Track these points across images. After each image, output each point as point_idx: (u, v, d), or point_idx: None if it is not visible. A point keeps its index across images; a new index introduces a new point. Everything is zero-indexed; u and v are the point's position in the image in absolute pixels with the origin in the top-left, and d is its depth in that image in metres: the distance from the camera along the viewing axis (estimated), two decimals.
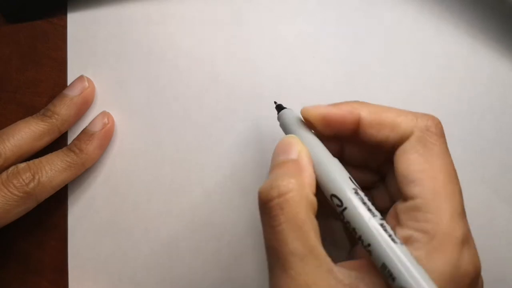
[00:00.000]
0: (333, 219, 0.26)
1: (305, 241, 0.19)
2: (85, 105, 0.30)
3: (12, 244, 0.31)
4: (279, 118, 0.26)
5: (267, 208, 0.20)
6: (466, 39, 0.30)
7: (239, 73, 0.30)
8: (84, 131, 0.29)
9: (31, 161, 0.27)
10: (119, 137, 0.30)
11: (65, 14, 0.30)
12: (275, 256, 0.20)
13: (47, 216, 0.30)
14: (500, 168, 0.29)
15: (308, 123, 0.24)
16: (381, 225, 0.20)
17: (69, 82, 0.30)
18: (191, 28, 0.30)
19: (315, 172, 0.22)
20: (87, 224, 0.30)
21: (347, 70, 0.30)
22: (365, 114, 0.22)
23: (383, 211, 0.22)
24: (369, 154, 0.24)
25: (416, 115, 0.22)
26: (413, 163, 0.21)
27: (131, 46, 0.30)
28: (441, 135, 0.22)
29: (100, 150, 0.29)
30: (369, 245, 0.19)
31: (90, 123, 0.29)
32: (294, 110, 0.26)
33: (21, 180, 0.26)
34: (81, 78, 0.30)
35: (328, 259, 0.20)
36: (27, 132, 0.28)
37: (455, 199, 0.21)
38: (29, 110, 0.30)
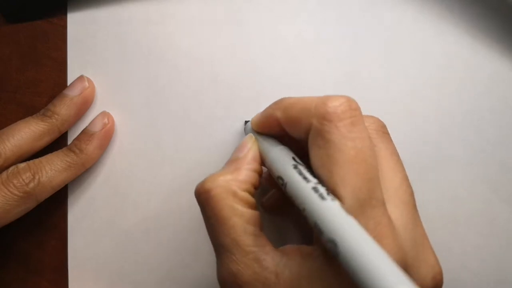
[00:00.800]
0: None
1: (229, 234, 0.21)
2: (85, 105, 0.30)
3: (12, 244, 0.31)
4: (244, 130, 0.28)
5: (198, 202, 0.23)
6: (466, 39, 0.30)
7: (239, 73, 0.30)
8: (84, 131, 0.29)
9: (31, 161, 0.27)
10: (119, 137, 0.30)
11: (65, 14, 0.30)
12: (213, 246, 0.22)
13: (47, 216, 0.30)
14: (500, 168, 0.29)
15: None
16: (313, 188, 0.20)
17: (69, 82, 0.30)
18: (190, 28, 0.30)
19: (266, 164, 0.24)
20: (87, 224, 0.30)
21: (347, 70, 0.30)
22: (279, 115, 0.23)
23: None
24: None
25: (317, 102, 0.21)
26: (314, 158, 0.21)
27: (131, 46, 0.30)
28: (340, 118, 0.20)
29: (100, 150, 0.29)
30: (304, 209, 0.20)
31: (90, 123, 0.29)
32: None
33: (21, 180, 0.26)
34: (81, 78, 0.30)
35: (256, 248, 0.21)
36: (27, 132, 0.28)
37: (358, 182, 0.20)
38: (29, 110, 0.30)
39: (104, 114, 0.30)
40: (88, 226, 0.30)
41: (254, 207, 0.23)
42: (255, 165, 0.24)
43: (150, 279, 0.30)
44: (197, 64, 0.30)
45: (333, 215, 0.18)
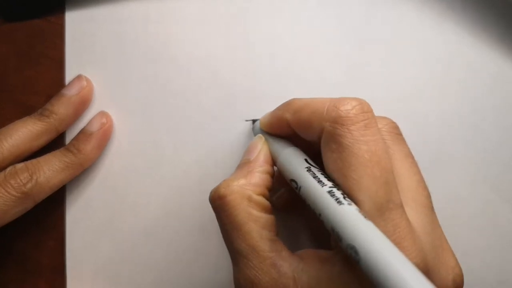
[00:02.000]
0: None
1: (245, 240, 0.21)
2: (83, 104, 0.30)
3: (9, 244, 0.31)
4: (252, 130, 0.28)
5: (213, 208, 0.22)
6: (468, 38, 0.30)
7: (239, 73, 0.30)
8: (82, 131, 0.29)
9: (29, 161, 0.27)
10: (118, 137, 0.30)
11: (63, 13, 0.30)
12: (229, 252, 0.22)
13: (45, 217, 0.30)
14: (502, 168, 0.29)
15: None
16: (329, 191, 0.19)
17: (67, 81, 0.30)
18: (190, 27, 0.30)
19: (277, 165, 0.23)
20: (85, 224, 0.30)
21: (347, 70, 0.30)
22: (289, 117, 0.23)
23: None
24: None
25: (328, 106, 0.21)
26: (328, 162, 0.21)
27: (129, 45, 0.30)
28: (353, 122, 0.20)
29: (99, 150, 0.29)
30: (320, 214, 0.19)
31: (88, 123, 0.29)
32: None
33: (18, 180, 0.26)
34: (79, 77, 0.30)
35: (273, 254, 0.21)
36: (25, 132, 0.28)
37: (374, 185, 0.19)
38: (27, 109, 0.30)
39: (102, 113, 0.30)
40: (86, 227, 0.30)
41: (269, 211, 0.22)
42: (267, 167, 0.23)
43: (148, 280, 0.30)
44: (197, 64, 0.30)
45: (352, 220, 0.18)
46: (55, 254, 0.30)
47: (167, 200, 0.30)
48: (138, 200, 0.30)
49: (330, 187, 0.20)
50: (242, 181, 0.22)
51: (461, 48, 0.30)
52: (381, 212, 0.19)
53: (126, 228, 0.30)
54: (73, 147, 0.28)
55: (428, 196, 0.22)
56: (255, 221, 0.21)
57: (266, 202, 0.22)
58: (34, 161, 0.27)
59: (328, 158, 0.20)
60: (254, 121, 0.28)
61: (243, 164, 0.24)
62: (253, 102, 0.30)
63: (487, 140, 0.29)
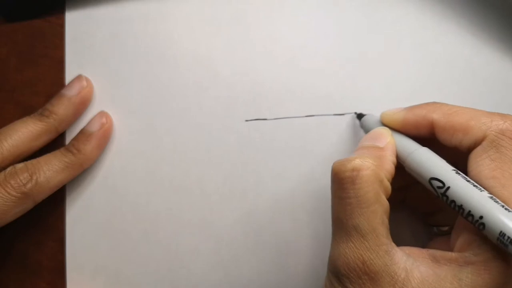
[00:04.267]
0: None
1: (369, 219, 0.21)
2: (83, 104, 0.30)
3: (9, 245, 0.31)
4: (362, 125, 0.28)
5: (339, 179, 0.22)
6: (468, 38, 0.30)
7: (239, 73, 0.30)
8: (82, 131, 0.29)
9: (28, 162, 0.27)
10: (118, 137, 0.30)
11: (63, 13, 0.30)
12: (340, 226, 0.21)
13: (45, 217, 0.30)
14: None
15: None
16: (490, 197, 0.20)
17: (67, 81, 0.30)
18: (190, 27, 0.30)
19: (406, 162, 0.23)
20: (85, 224, 0.30)
21: (347, 69, 0.30)
22: (437, 118, 0.23)
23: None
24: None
25: (492, 116, 0.22)
26: (484, 169, 0.21)
27: (129, 45, 0.30)
28: None
29: (98, 151, 0.29)
30: (481, 217, 0.19)
31: (88, 123, 0.29)
32: (375, 115, 0.27)
33: (18, 180, 0.26)
34: (79, 77, 0.30)
35: (388, 241, 0.21)
36: (25, 132, 0.28)
37: None
38: (27, 109, 0.30)
39: (102, 113, 0.30)
40: (86, 227, 0.30)
41: (389, 199, 0.22)
42: (395, 159, 0.23)
43: (148, 280, 0.30)
44: (197, 64, 0.30)
45: None
46: (55, 255, 0.30)
47: (167, 200, 0.30)
48: (138, 200, 0.30)
49: (489, 193, 0.20)
50: (377, 162, 0.22)
51: (461, 48, 0.30)
52: None
53: (126, 228, 0.30)
54: (73, 147, 0.28)
55: None
56: (381, 204, 0.21)
57: (390, 190, 0.22)
58: (34, 161, 0.27)
59: (485, 165, 0.21)
60: (360, 115, 0.28)
61: (372, 148, 0.23)
62: (253, 102, 0.30)
63: None
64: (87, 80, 0.30)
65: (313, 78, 0.30)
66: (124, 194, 0.30)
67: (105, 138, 0.29)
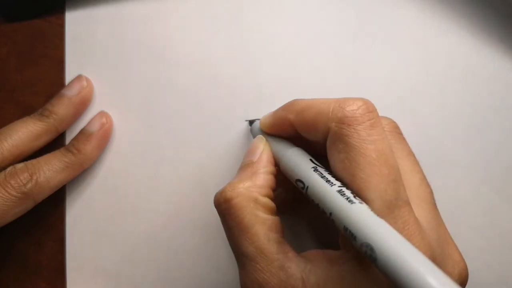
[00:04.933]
0: None
1: (253, 242, 0.21)
2: (84, 104, 0.30)
3: (9, 245, 0.31)
4: (251, 131, 0.28)
5: (219, 212, 0.22)
6: (468, 38, 0.30)
7: (239, 73, 0.30)
8: (82, 131, 0.29)
9: (29, 161, 0.27)
10: (118, 137, 0.30)
11: (63, 13, 0.30)
12: (235, 255, 0.22)
13: (45, 217, 0.30)
14: (503, 169, 0.29)
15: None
16: (339, 191, 0.19)
17: (67, 81, 0.30)
18: (190, 27, 0.30)
19: (281, 166, 0.23)
20: (85, 224, 0.30)
21: (348, 69, 0.30)
22: (292, 118, 0.23)
23: None
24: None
25: (333, 106, 0.21)
26: (335, 163, 0.21)
27: (129, 45, 0.30)
28: (359, 122, 0.20)
29: (99, 151, 0.29)
30: (330, 214, 0.19)
31: (88, 123, 0.29)
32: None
33: (18, 180, 0.26)
34: (79, 77, 0.30)
35: (280, 255, 0.21)
36: (25, 132, 0.28)
37: (383, 184, 0.20)
38: (27, 109, 0.30)
39: (102, 114, 0.30)
40: (86, 227, 0.30)
41: (274, 212, 0.22)
42: (270, 168, 0.23)
43: (148, 280, 0.30)
44: (197, 64, 0.30)
45: (365, 219, 0.18)
46: (55, 255, 0.30)
47: (167, 200, 0.30)
48: (138, 200, 0.30)
49: (339, 186, 0.20)
50: (247, 183, 0.22)
51: (461, 48, 0.30)
52: (390, 210, 0.19)
53: (126, 228, 0.30)
54: (73, 148, 0.28)
55: (431, 193, 0.23)
56: (262, 223, 0.21)
57: (271, 204, 0.22)
58: (34, 161, 0.27)
59: (335, 158, 0.21)
60: (251, 122, 0.28)
61: (246, 166, 0.24)
62: (253, 102, 0.30)
63: (487, 140, 0.29)
64: (87, 80, 0.30)
65: (313, 78, 0.30)
66: (124, 194, 0.30)
67: (105, 138, 0.29)
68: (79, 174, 0.29)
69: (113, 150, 0.30)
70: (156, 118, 0.30)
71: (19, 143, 0.27)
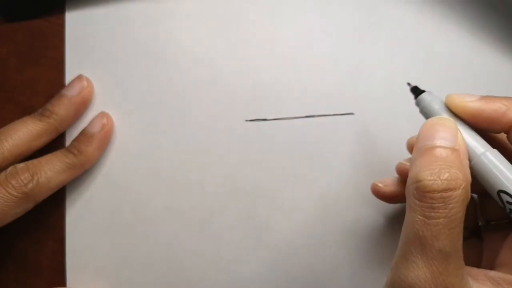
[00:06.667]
0: None
1: (455, 241, 0.19)
2: (84, 105, 0.30)
3: (9, 245, 0.31)
4: (419, 103, 0.23)
5: (428, 197, 0.19)
6: (468, 38, 0.30)
7: (239, 73, 0.30)
8: (83, 132, 0.29)
9: (29, 162, 0.27)
10: (118, 137, 0.30)
11: (63, 13, 0.30)
12: (419, 246, 0.19)
13: (45, 217, 0.30)
14: None
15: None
16: None
17: (67, 82, 0.30)
18: (190, 28, 0.30)
19: (472, 165, 0.21)
20: (85, 224, 0.30)
21: (348, 69, 0.29)
22: None
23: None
24: None
25: None
26: None
27: (130, 45, 0.30)
28: None
29: (100, 152, 0.29)
30: None
31: (89, 124, 0.29)
32: (434, 93, 0.23)
33: (19, 180, 0.26)
34: (80, 77, 0.29)
35: (463, 263, 0.19)
36: (25, 132, 0.28)
37: None
38: (27, 109, 0.30)
39: (103, 114, 0.29)
40: (86, 227, 0.30)
41: None
42: (468, 162, 0.21)
43: (148, 280, 0.30)
44: (197, 64, 0.30)
45: None
46: (55, 255, 0.30)
47: (167, 200, 0.30)
48: (138, 200, 0.30)
49: None
50: (465, 176, 0.19)
51: (461, 48, 0.30)
52: None
53: (126, 228, 0.30)
54: (74, 149, 0.28)
55: None
56: (462, 223, 0.19)
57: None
58: (35, 161, 0.27)
59: None
60: (415, 89, 0.24)
61: (451, 152, 0.20)
62: (253, 102, 0.30)
63: None
64: (87, 80, 0.30)
65: (313, 78, 0.30)
66: (124, 194, 0.30)
67: (106, 139, 0.29)
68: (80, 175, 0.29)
69: (114, 150, 0.30)
70: (156, 118, 0.30)
71: (19, 143, 0.27)
